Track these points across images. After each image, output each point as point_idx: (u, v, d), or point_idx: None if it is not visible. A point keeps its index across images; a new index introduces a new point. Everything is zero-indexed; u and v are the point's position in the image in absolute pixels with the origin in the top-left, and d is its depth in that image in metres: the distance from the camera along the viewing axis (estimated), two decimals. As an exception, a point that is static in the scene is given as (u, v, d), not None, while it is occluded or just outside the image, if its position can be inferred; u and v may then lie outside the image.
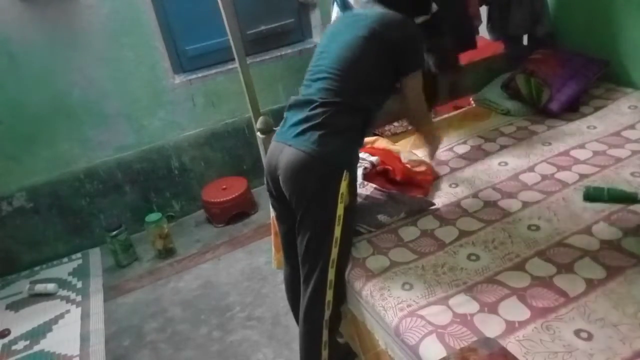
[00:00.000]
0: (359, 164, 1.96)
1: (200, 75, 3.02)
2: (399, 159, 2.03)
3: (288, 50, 3.19)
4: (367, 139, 2.26)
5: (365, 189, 1.91)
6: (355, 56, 1.50)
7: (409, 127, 2.80)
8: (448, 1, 2.04)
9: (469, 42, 2.42)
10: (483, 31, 2.70)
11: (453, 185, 1.91)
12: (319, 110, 1.46)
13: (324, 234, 1.47)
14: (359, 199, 1.80)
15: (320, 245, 1.49)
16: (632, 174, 1.75)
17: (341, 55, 1.51)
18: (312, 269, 1.52)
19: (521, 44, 2.75)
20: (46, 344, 2.28)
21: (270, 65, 3.15)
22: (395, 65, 1.55)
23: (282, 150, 1.49)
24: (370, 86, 1.53)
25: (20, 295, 2.63)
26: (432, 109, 2.54)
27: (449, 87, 2.46)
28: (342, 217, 1.45)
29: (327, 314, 1.55)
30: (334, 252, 1.48)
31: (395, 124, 2.90)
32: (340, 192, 1.44)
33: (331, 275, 1.50)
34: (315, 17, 3.26)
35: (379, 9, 1.61)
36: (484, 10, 2.59)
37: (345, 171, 1.44)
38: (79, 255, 2.95)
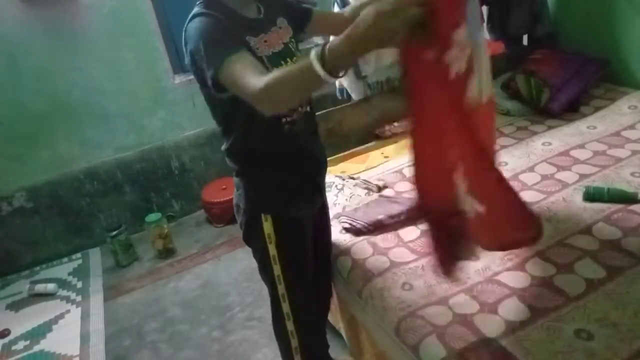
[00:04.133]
0: (355, 188, 1.85)
1: (200, 75, 3.02)
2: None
3: (288, 50, 3.19)
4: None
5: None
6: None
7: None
8: None
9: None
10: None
11: (453, 185, 1.91)
12: (226, 157, 1.42)
13: (265, 271, 1.46)
14: (359, 200, 1.79)
15: (266, 280, 1.49)
16: (632, 174, 1.75)
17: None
18: (270, 298, 1.52)
19: (521, 44, 2.75)
20: (46, 344, 2.28)
21: (270, 65, 3.15)
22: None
23: None
24: (226, 122, 1.38)
25: (20, 295, 2.63)
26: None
27: None
28: (276, 256, 1.40)
29: (294, 342, 1.52)
30: (280, 287, 1.44)
31: (395, 124, 2.89)
32: (266, 233, 1.38)
33: (286, 308, 1.47)
34: (315, 17, 3.26)
35: None
36: (484, 10, 2.59)
37: (262, 214, 1.37)
38: (79, 255, 2.95)
